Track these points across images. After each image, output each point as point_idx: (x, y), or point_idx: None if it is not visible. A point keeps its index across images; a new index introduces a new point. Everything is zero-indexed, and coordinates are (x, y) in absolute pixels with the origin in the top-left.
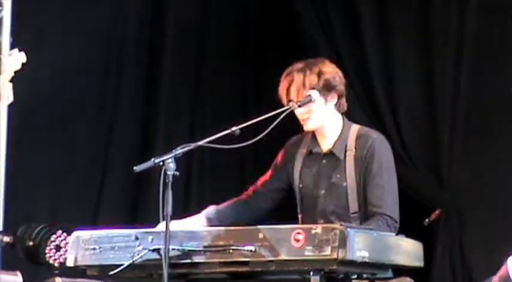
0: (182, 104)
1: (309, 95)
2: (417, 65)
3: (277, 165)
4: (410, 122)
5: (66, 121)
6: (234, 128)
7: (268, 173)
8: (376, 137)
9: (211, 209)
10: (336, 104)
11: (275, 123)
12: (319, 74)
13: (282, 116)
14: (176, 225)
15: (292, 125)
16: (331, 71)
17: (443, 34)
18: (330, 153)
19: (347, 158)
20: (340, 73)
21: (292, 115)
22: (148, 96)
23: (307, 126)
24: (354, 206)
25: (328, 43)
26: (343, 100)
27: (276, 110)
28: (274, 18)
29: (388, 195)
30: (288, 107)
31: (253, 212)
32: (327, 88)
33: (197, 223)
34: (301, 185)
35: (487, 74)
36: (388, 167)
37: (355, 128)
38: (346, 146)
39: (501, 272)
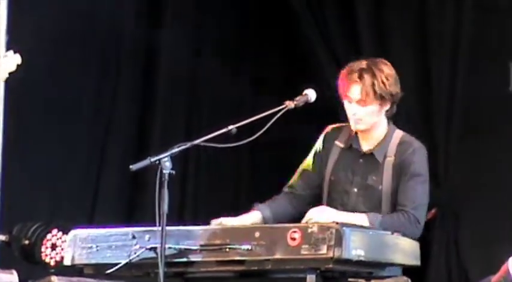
0: (179, 104)
1: (306, 94)
2: (414, 65)
3: (319, 153)
4: (406, 122)
5: (63, 121)
6: (230, 127)
7: (310, 163)
8: (417, 146)
9: (264, 206)
10: (387, 110)
11: (271, 122)
12: (387, 78)
13: (278, 115)
14: (230, 222)
15: (289, 125)
16: (394, 76)
17: (439, 34)
18: (370, 154)
19: (385, 163)
20: (398, 78)
21: (288, 114)
22: (145, 96)
23: (357, 127)
24: (386, 211)
25: (325, 43)
26: (395, 106)
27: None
28: (272, 19)
29: (418, 199)
30: (284, 105)
31: (298, 208)
32: (389, 94)
33: (253, 220)
34: (332, 178)
35: (484, 74)
36: (424, 175)
37: (398, 134)
38: (386, 151)
39: (501, 272)
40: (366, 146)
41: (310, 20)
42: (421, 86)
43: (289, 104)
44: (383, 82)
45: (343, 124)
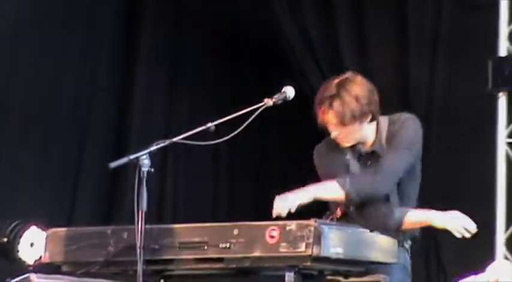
0: (157, 105)
1: (284, 92)
2: (392, 65)
3: (335, 165)
4: None
5: (42, 121)
6: (209, 124)
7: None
8: (403, 119)
9: None
10: (372, 119)
11: (250, 119)
12: (357, 100)
13: (257, 113)
14: None
15: (267, 124)
16: (365, 93)
17: (418, 32)
18: (372, 152)
19: (383, 154)
20: (373, 88)
21: (265, 113)
22: (123, 97)
23: (344, 145)
24: (394, 200)
25: (305, 45)
26: (377, 113)
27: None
28: (252, 21)
29: (394, 161)
30: (262, 103)
31: None
32: (362, 113)
33: None
34: None
35: (463, 71)
36: (409, 144)
37: (385, 123)
38: (382, 143)
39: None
40: (366, 147)
41: (291, 22)
42: (400, 84)
43: (268, 102)
44: (353, 107)
45: (330, 139)
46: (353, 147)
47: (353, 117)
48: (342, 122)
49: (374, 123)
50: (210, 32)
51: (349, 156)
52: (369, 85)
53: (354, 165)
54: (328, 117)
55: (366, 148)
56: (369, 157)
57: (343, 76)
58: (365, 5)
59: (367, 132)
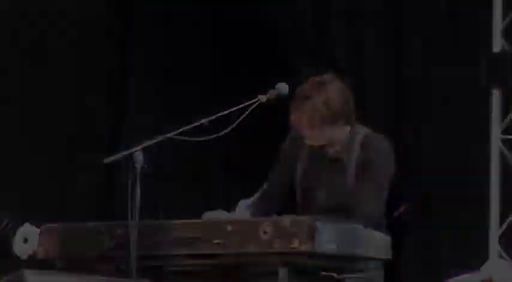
0: (153, 104)
1: (277, 88)
2: (387, 65)
3: (282, 161)
4: (377, 119)
5: (37, 118)
6: (202, 120)
7: (274, 168)
8: (381, 147)
9: (245, 204)
10: (345, 123)
11: (243, 116)
12: (328, 102)
13: (250, 109)
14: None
15: (261, 120)
16: (339, 97)
17: (413, 32)
18: (336, 159)
19: (349, 166)
20: (349, 94)
21: (259, 110)
22: (118, 96)
23: (314, 143)
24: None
25: (298, 37)
26: (353, 116)
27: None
28: (249, 19)
29: (370, 207)
30: (256, 99)
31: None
32: (335, 115)
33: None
34: (304, 184)
35: (455, 68)
36: (383, 170)
37: (361, 134)
38: (351, 154)
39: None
40: (331, 150)
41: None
42: (395, 82)
43: (262, 98)
44: (323, 111)
45: (292, 135)
46: (315, 150)
47: (322, 121)
48: (312, 124)
49: (347, 128)
50: (206, 31)
51: (300, 160)
52: (345, 90)
53: (301, 168)
54: (299, 118)
55: (333, 153)
56: (333, 163)
57: (320, 78)
58: (361, 3)
59: (338, 136)
